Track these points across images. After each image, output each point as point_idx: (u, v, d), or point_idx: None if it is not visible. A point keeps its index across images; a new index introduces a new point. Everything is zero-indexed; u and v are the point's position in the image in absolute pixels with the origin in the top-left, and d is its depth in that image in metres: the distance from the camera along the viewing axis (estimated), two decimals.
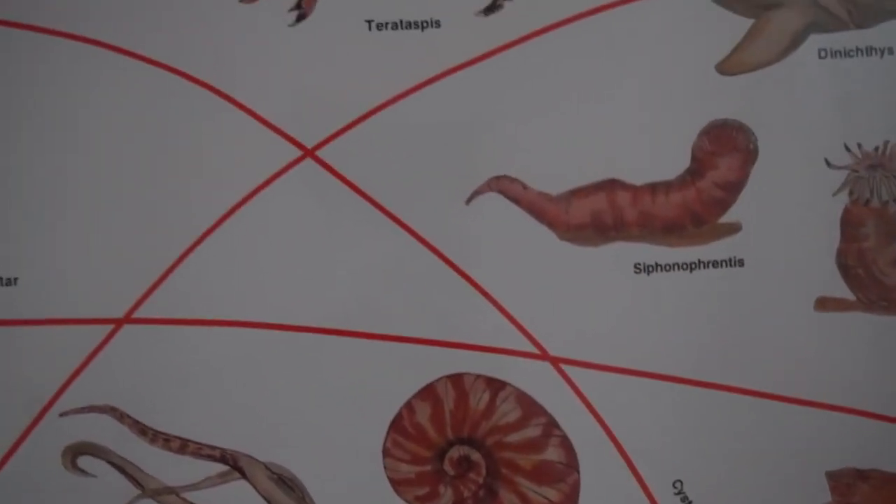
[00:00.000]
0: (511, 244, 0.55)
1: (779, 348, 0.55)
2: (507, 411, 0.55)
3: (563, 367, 0.55)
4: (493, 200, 0.55)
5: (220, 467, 0.54)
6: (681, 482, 0.55)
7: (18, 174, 0.54)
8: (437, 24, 0.55)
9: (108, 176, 0.54)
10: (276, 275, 0.54)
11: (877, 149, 0.56)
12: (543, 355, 0.55)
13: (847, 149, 0.56)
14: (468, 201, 0.55)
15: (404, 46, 0.55)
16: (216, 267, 0.54)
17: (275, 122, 0.54)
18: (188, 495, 0.54)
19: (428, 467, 0.55)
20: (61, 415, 0.53)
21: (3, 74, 0.54)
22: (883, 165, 0.56)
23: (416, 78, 0.55)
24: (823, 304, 0.55)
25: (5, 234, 0.54)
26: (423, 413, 0.55)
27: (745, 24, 0.55)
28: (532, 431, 0.55)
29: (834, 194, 0.56)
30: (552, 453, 0.55)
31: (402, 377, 0.54)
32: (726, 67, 0.55)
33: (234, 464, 0.54)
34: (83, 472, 0.54)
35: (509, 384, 0.55)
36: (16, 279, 0.53)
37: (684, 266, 0.55)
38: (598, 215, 0.55)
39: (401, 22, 0.55)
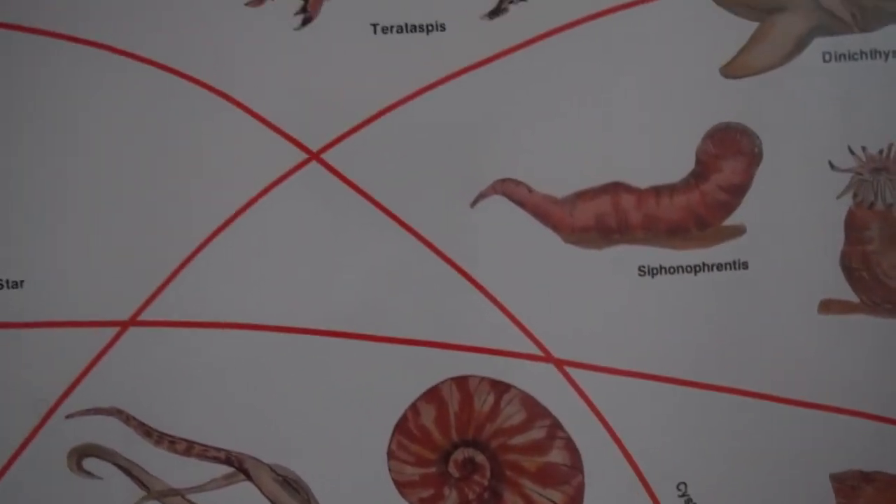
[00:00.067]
0: (515, 247, 0.55)
1: (783, 350, 0.55)
2: (512, 413, 0.55)
3: (568, 369, 0.55)
4: (498, 203, 0.55)
5: (226, 469, 0.54)
6: (685, 484, 0.55)
7: (22, 177, 0.54)
8: (443, 27, 0.55)
9: (115, 178, 0.54)
10: (282, 277, 0.54)
11: (881, 152, 0.56)
12: (548, 358, 0.55)
13: (851, 152, 0.56)
14: (473, 204, 0.55)
15: (409, 50, 0.55)
16: (222, 269, 0.54)
17: (280, 125, 0.54)
18: (193, 497, 0.54)
19: (432, 469, 0.55)
20: (67, 417, 0.53)
21: (4, 77, 0.54)
22: (887, 168, 0.56)
23: (420, 81, 0.55)
24: (827, 306, 0.55)
25: (11, 237, 0.54)
26: (428, 415, 0.55)
27: (749, 27, 0.55)
28: (536, 433, 0.55)
29: (838, 197, 0.56)
30: (556, 455, 0.55)
31: (406, 379, 0.54)
32: (731, 71, 0.55)
33: (240, 466, 0.54)
34: (89, 473, 0.54)
35: (514, 386, 0.55)
36: (21, 282, 0.53)
37: (688, 269, 0.55)
38: (602, 218, 0.55)
39: (406, 25, 0.55)
